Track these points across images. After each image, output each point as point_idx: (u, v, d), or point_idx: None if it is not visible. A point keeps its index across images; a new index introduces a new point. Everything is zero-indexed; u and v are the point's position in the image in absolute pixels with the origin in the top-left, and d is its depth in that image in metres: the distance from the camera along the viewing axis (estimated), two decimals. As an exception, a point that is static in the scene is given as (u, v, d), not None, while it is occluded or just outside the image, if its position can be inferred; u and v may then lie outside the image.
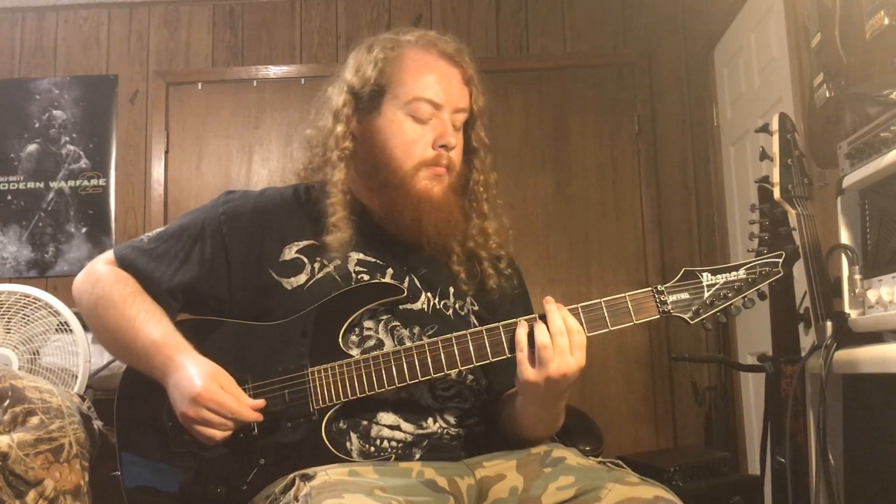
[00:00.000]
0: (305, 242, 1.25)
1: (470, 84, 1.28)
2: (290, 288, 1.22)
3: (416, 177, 1.22)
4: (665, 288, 1.14)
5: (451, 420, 1.21)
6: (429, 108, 1.22)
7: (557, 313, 1.09)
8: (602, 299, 1.13)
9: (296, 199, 1.31)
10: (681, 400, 3.21)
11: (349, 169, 1.26)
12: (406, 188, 1.22)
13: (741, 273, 1.14)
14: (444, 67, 1.25)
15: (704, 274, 1.14)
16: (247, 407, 1.13)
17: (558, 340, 1.07)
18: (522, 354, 1.09)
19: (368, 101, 1.25)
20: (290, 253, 1.25)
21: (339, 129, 1.25)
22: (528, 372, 1.08)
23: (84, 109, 3.44)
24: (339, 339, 1.17)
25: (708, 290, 1.14)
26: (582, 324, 1.12)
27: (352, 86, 1.26)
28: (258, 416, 1.13)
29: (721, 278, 1.14)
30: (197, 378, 1.11)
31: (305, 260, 1.24)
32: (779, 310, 1.69)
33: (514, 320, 1.13)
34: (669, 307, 1.13)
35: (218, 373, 1.13)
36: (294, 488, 1.02)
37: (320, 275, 1.23)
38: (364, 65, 1.26)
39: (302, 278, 1.23)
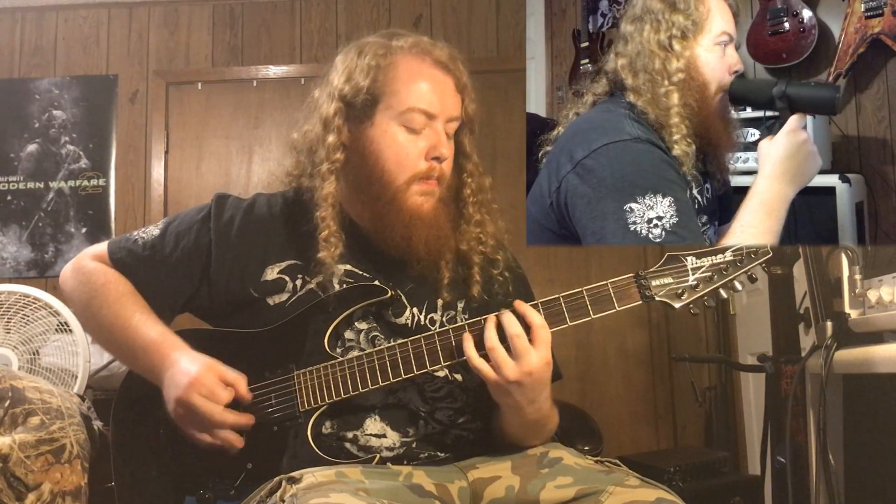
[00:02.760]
0: (287, 262, 1.24)
1: (463, 92, 1.25)
2: (272, 304, 1.22)
3: (407, 191, 1.19)
4: (647, 273, 1.12)
5: (444, 420, 1.20)
6: (422, 118, 1.20)
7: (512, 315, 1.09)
8: (584, 288, 1.11)
9: (283, 213, 1.29)
10: (681, 400, 3.20)
11: (339, 182, 1.23)
12: (398, 203, 1.19)
13: (728, 256, 1.12)
14: (438, 76, 1.22)
15: (689, 258, 1.13)
16: (244, 391, 1.13)
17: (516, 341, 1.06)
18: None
19: (360, 110, 1.21)
20: (272, 273, 1.24)
21: (331, 139, 1.21)
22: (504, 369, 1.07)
23: (84, 109, 3.43)
24: (325, 342, 1.17)
25: (693, 274, 1.12)
26: (565, 314, 1.10)
27: (343, 94, 1.22)
28: (248, 419, 1.13)
29: (707, 261, 1.13)
30: (193, 367, 1.12)
31: (287, 279, 1.23)
32: (779, 310, 1.69)
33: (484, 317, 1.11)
34: (653, 292, 1.12)
35: (214, 364, 1.13)
36: (280, 490, 1.02)
37: (302, 292, 1.22)
38: (355, 72, 1.22)
39: (283, 296, 1.22)
